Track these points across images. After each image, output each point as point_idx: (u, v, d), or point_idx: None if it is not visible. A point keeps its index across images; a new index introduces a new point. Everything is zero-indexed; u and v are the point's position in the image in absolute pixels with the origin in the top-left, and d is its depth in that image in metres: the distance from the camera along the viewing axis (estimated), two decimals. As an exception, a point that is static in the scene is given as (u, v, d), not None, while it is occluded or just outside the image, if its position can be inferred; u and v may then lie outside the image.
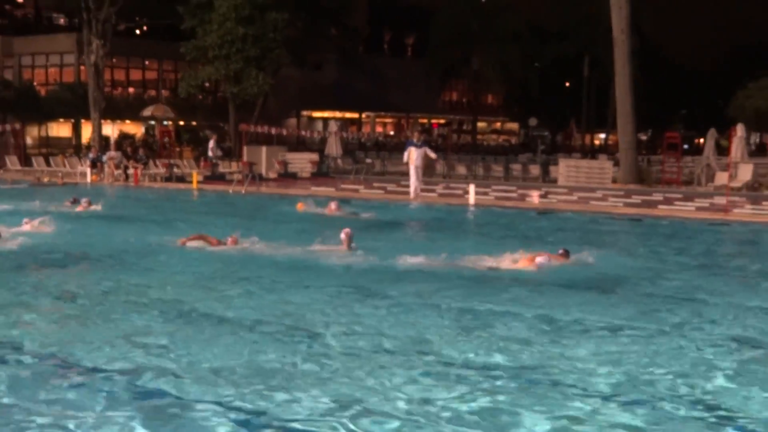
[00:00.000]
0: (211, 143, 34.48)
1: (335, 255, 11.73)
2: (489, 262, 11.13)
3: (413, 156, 22.73)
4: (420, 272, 10.70)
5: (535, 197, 23.75)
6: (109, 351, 6.96)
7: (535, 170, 32.38)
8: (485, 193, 23.79)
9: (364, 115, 68.78)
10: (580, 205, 21.56)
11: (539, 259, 10.87)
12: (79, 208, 18.13)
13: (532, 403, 5.71)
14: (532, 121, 52.99)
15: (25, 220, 14.37)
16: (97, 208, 18.37)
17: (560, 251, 11.52)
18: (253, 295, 9.46)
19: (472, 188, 21.83)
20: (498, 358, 6.87)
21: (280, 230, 14.80)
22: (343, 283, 10.04)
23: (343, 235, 11.99)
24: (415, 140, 23.54)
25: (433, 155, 24.44)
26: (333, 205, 18.21)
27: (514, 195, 24.65)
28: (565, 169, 29.50)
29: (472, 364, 6.68)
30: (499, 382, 6.22)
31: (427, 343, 7.31)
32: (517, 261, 11.02)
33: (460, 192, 23.25)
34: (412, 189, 22.78)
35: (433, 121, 74.29)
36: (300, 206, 18.91)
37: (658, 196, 23.96)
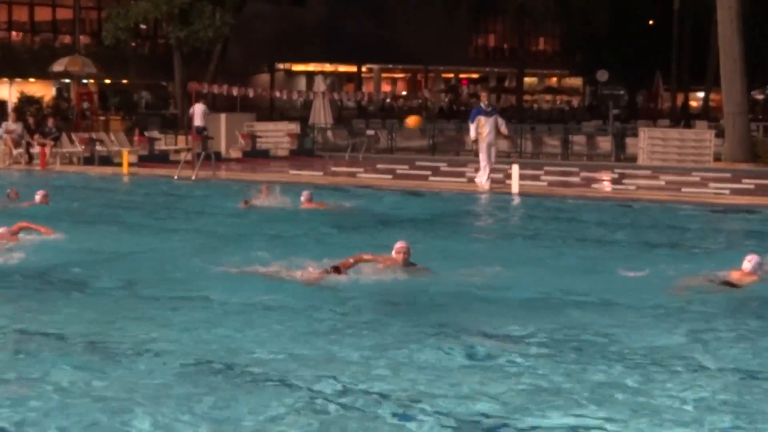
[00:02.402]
0: (201, 107, 32.68)
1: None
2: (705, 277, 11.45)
3: (485, 129, 22.05)
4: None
5: (605, 183, 23.62)
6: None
7: (605, 144, 32.27)
8: (536, 177, 23.60)
9: (364, 69, 68.75)
10: (668, 193, 21.42)
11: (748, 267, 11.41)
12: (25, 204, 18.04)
13: None
14: (602, 76, 52.63)
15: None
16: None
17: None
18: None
19: (515, 170, 21.62)
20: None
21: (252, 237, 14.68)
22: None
23: (395, 253, 11.80)
24: (483, 106, 22.87)
25: (505, 130, 23.60)
26: (305, 196, 18.02)
27: (576, 180, 24.49)
28: (648, 142, 29.44)
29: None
30: None
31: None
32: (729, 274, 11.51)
33: (498, 175, 23.06)
34: (484, 175, 21.98)
35: (462, 75, 74.22)
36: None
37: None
